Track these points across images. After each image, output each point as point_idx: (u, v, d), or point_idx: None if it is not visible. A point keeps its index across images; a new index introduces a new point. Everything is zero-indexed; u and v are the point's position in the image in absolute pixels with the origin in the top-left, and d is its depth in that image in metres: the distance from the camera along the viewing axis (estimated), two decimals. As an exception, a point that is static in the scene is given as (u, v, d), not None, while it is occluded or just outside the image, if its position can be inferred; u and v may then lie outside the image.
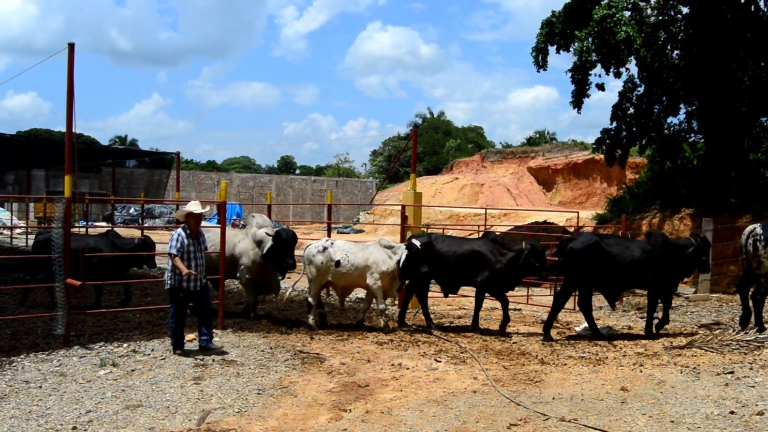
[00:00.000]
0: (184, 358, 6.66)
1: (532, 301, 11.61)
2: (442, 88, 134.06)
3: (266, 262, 8.96)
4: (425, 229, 11.76)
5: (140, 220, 26.77)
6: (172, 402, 5.33)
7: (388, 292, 8.78)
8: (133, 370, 6.16)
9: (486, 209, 12.81)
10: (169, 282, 6.94)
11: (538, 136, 64.54)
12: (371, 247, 8.83)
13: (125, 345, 7.19)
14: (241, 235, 9.35)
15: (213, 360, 6.63)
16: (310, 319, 8.63)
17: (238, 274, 9.26)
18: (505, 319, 8.75)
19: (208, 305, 7.14)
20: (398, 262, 8.53)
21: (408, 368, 6.63)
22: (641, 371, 6.66)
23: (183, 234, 6.95)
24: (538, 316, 10.46)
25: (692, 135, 18.30)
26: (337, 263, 8.59)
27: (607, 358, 7.28)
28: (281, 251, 8.71)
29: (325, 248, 8.72)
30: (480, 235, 10.39)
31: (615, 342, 8.20)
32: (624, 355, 7.43)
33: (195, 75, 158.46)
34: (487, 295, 9.03)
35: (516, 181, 46.86)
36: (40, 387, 5.67)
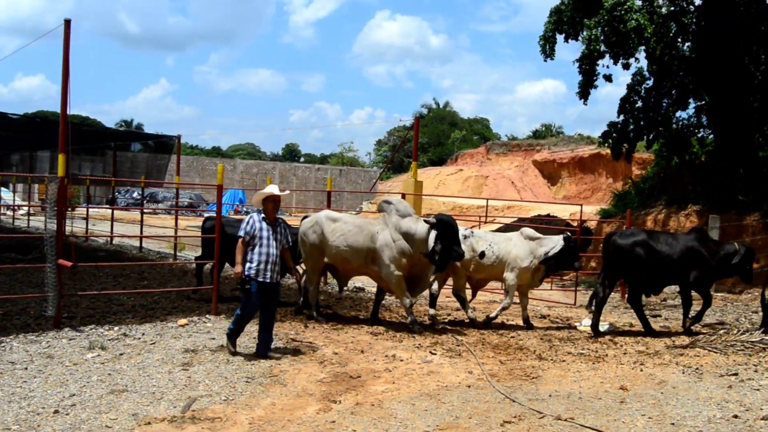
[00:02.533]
0: (174, 344, 6.53)
1: (531, 295, 11.42)
2: (449, 78, 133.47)
3: (415, 256, 7.73)
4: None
5: (142, 204, 26.55)
6: (158, 388, 5.20)
7: (523, 287, 8.51)
8: (121, 354, 6.04)
9: (487, 200, 12.59)
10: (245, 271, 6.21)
11: (544, 129, 64.04)
12: (514, 239, 8.48)
13: (116, 328, 7.07)
14: (378, 225, 8.01)
15: (204, 346, 6.50)
16: (470, 313, 8.41)
17: (382, 273, 7.85)
18: (698, 318, 8.53)
19: (275, 305, 6.53)
20: (546, 254, 8.23)
21: (402, 360, 6.48)
22: (642, 370, 6.49)
23: (256, 217, 6.30)
24: (537, 310, 10.30)
25: (701, 130, 18.01)
26: (482, 254, 8.17)
27: (607, 355, 7.12)
28: (449, 239, 7.58)
29: (465, 237, 8.18)
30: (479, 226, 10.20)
31: (616, 339, 8.04)
32: (624, 353, 7.27)
33: (202, 60, 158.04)
34: (482, 288, 8.90)
35: (521, 174, 46.52)
36: (26, 368, 5.55)
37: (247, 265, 6.15)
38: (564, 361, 6.79)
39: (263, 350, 6.26)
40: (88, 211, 19.12)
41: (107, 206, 27.04)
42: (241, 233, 6.22)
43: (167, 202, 38.07)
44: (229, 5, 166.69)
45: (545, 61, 15.18)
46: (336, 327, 7.89)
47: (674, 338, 8.24)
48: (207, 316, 7.96)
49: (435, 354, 6.79)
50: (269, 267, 6.18)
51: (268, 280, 6.22)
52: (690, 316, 8.65)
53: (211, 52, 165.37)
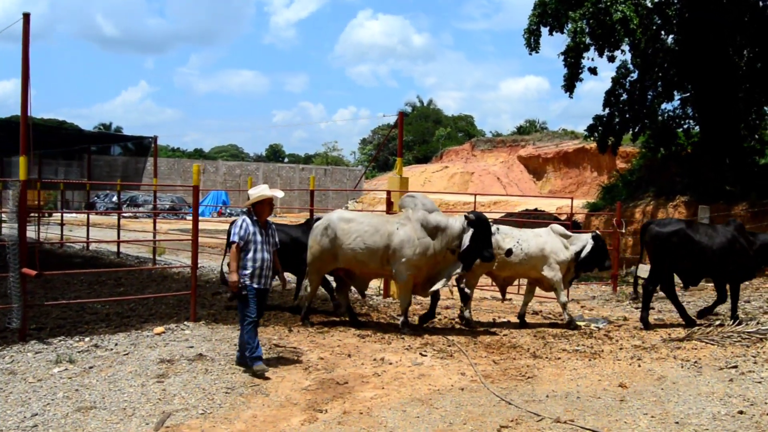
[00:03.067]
0: (149, 354, 6.15)
1: (522, 291, 11.17)
2: (433, 77, 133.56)
3: (440, 252, 7.37)
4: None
5: (119, 208, 25.96)
6: (129, 403, 4.84)
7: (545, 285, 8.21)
8: (91, 367, 5.65)
9: (475, 195, 12.32)
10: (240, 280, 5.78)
11: (528, 125, 64.15)
12: (545, 235, 8.16)
13: (87, 339, 6.66)
14: (397, 221, 7.55)
15: (181, 355, 6.13)
16: (466, 313, 8.08)
17: (393, 270, 7.45)
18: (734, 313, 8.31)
19: (262, 312, 6.10)
20: (577, 254, 7.95)
21: (391, 363, 6.17)
22: (640, 366, 6.25)
23: (248, 221, 5.85)
24: (530, 306, 10.02)
25: (687, 122, 17.96)
26: (508, 252, 7.83)
27: (603, 351, 6.87)
28: (483, 239, 7.26)
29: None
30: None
31: (611, 334, 7.80)
32: (621, 348, 7.03)
33: (183, 62, 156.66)
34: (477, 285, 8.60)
35: (506, 170, 46.56)
36: (-14, 386, 5.15)
37: (242, 271, 5.76)
38: (559, 358, 6.53)
39: (246, 359, 5.78)
40: (62, 216, 18.55)
41: (84, 211, 26.37)
42: (235, 238, 5.78)
43: (148, 206, 37.41)
44: (208, 7, 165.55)
45: (530, 54, 15.02)
46: (321, 330, 7.56)
47: (669, 331, 8.03)
48: (185, 323, 7.58)
49: (425, 356, 6.49)
50: (264, 273, 5.83)
51: (262, 287, 5.85)
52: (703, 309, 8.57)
53: (191, 53, 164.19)
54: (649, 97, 18.13)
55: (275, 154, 78.74)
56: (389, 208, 9.92)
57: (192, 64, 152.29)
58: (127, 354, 6.13)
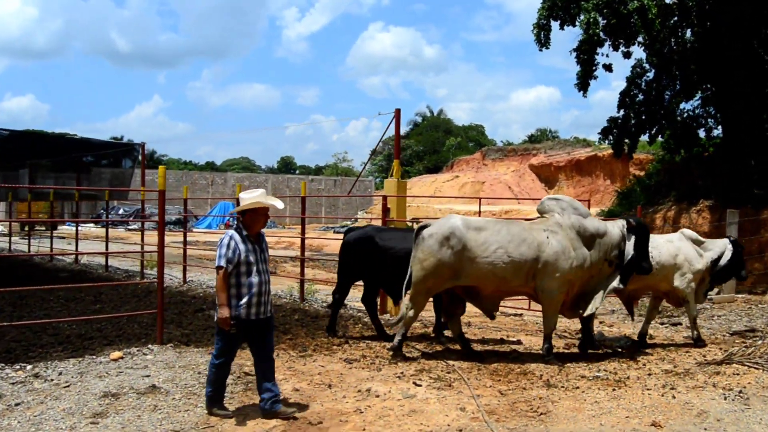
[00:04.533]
0: (94, 385, 5.25)
1: (534, 306, 10.18)
2: (444, 88, 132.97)
3: (596, 265, 6.46)
4: (410, 224, 10.36)
5: (107, 218, 25.29)
6: (48, 452, 3.95)
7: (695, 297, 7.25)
8: (18, 404, 4.76)
9: (480, 199, 11.38)
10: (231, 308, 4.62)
11: (539, 134, 63.11)
12: (677, 241, 7.25)
13: (29, 368, 5.79)
14: (544, 228, 6.44)
15: (131, 387, 5.23)
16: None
17: (541, 287, 6.36)
18: None
19: (271, 346, 4.84)
20: (713, 261, 7.07)
21: (378, 396, 5.22)
22: (674, 397, 5.25)
23: (237, 238, 4.65)
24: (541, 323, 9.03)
25: (708, 121, 16.89)
26: None
27: (628, 378, 5.86)
28: (641, 249, 6.50)
29: None
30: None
31: (636, 356, 6.78)
32: (649, 374, 6.01)
33: (195, 76, 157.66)
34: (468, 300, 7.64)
35: (517, 179, 45.57)
36: None
37: (235, 302, 4.59)
38: (578, 388, 5.54)
39: (270, 405, 4.63)
40: (52, 229, 17.88)
41: (74, 220, 25.69)
42: (222, 262, 4.57)
43: (155, 218, 36.79)
44: (220, 22, 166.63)
45: (540, 50, 14.07)
46: (303, 354, 6.63)
47: (704, 352, 7.01)
48: (150, 346, 6.71)
49: (420, 385, 5.53)
50: (263, 299, 4.67)
51: (261, 317, 4.69)
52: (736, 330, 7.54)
53: (203, 68, 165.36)
54: (666, 96, 17.11)
55: (287, 166, 78.46)
56: (385, 213, 9.02)
57: (204, 78, 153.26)
58: (68, 386, 5.24)
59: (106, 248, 15.29)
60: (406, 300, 6.71)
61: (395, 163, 9.34)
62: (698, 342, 7.26)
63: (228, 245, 4.61)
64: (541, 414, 4.80)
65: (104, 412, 4.64)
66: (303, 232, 10.94)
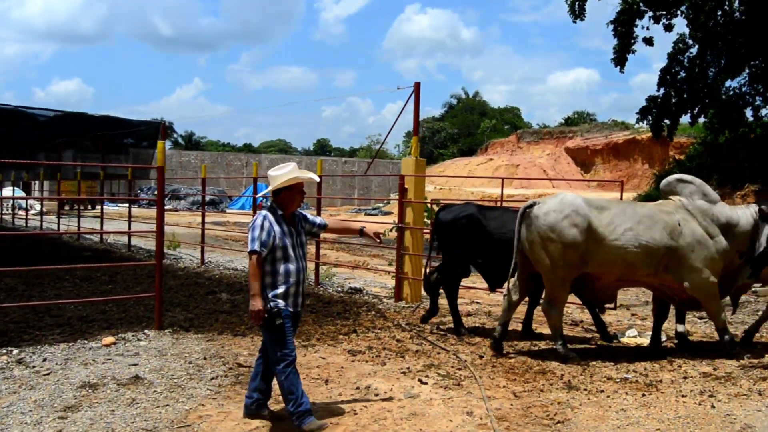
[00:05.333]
0: (76, 374, 4.92)
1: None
2: (480, 70, 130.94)
3: (728, 257, 5.89)
4: (431, 206, 9.80)
5: (129, 197, 25.47)
6: (5, 451, 3.61)
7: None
8: (-11, 394, 4.47)
9: (503, 180, 10.72)
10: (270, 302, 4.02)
11: (576, 116, 61.31)
12: None
13: (15, 352, 5.51)
14: (674, 212, 5.84)
15: (113, 377, 4.88)
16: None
17: (686, 279, 5.76)
18: None
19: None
20: None
21: (377, 394, 4.75)
22: (713, 406, 4.62)
23: (271, 218, 4.09)
24: (568, 314, 8.41)
25: (756, 99, 15.75)
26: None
27: (660, 381, 5.24)
28: None
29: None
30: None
31: (670, 356, 6.13)
32: (684, 377, 5.38)
33: (235, 60, 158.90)
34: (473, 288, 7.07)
35: (553, 162, 44.37)
36: None
37: (271, 292, 4.03)
38: (602, 391, 4.96)
39: (257, 407, 4.20)
40: (80, 208, 17.97)
41: (109, 200, 25.91)
42: (255, 246, 3.98)
43: (189, 199, 37.15)
44: (259, 5, 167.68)
45: (574, 22, 13.22)
46: (306, 343, 6.21)
47: (746, 351, 6.30)
48: (146, 331, 6.38)
49: (425, 383, 5.04)
50: (300, 289, 4.15)
51: (300, 308, 4.20)
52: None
53: (243, 51, 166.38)
54: (710, 73, 16.01)
55: (322, 148, 78.72)
56: (402, 194, 8.49)
57: (243, 62, 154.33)
58: (48, 374, 4.92)
59: (129, 227, 15.21)
60: (508, 285, 6.07)
61: (414, 139, 8.78)
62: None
63: (262, 226, 4.02)
64: (558, 423, 4.26)
65: (77, 405, 4.29)
66: (318, 213, 10.49)
